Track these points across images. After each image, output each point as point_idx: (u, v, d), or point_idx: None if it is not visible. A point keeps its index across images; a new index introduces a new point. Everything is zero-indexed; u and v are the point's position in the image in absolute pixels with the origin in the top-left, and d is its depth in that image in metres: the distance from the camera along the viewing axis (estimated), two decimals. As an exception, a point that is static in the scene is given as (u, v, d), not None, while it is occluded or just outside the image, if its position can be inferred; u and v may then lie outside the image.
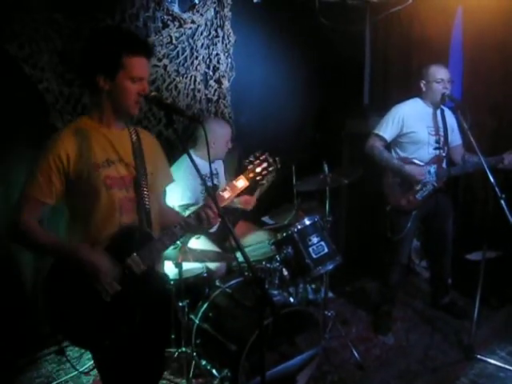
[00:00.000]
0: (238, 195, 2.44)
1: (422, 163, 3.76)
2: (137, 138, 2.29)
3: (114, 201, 2.15)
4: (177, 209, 3.40)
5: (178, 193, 3.50)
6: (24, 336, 3.45)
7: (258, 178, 2.38)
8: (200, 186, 3.70)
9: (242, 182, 2.35)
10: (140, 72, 2.10)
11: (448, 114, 3.85)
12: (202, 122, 2.13)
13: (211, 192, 2.27)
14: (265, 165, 2.38)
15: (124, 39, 2.13)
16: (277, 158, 2.43)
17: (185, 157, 3.61)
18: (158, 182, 2.39)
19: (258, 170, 2.37)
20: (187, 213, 2.35)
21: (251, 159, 2.39)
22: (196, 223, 2.25)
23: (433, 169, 3.78)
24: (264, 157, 2.39)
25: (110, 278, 2.08)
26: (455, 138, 3.91)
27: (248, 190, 2.54)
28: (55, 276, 2.11)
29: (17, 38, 3.16)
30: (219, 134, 3.71)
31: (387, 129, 3.79)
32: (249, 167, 2.38)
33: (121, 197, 2.17)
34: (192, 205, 3.63)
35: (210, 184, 3.48)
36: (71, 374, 3.38)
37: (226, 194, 2.34)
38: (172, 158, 3.62)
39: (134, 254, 2.14)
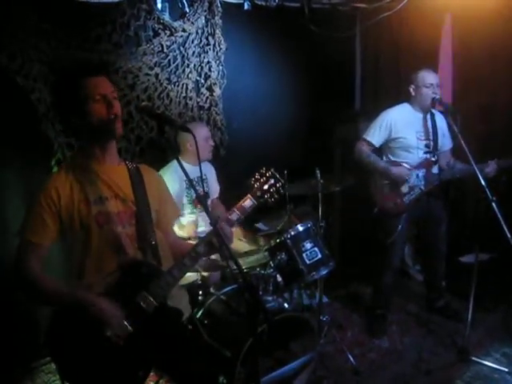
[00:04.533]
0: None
1: (410, 167, 3.79)
2: (137, 173, 2.24)
3: (107, 238, 2.10)
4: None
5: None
6: (20, 345, 3.44)
7: (266, 196, 2.29)
8: (184, 192, 3.71)
9: (249, 202, 2.27)
10: (98, 89, 2.05)
11: (439, 118, 3.88)
12: (191, 130, 2.09)
13: (202, 198, 2.25)
14: (272, 181, 2.30)
15: (71, 70, 2.16)
16: (285, 172, 2.35)
17: (172, 162, 3.63)
18: (165, 218, 2.36)
19: (266, 187, 2.29)
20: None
21: (257, 176, 2.31)
22: (205, 250, 2.19)
23: (421, 173, 3.80)
24: (270, 173, 2.31)
25: (119, 320, 2.01)
26: (445, 143, 3.92)
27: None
28: (61, 320, 2.04)
29: (6, 48, 3.15)
30: (190, 136, 3.66)
31: (375, 134, 3.82)
32: (255, 185, 2.29)
33: (118, 234, 2.12)
34: None
35: (200, 189, 3.50)
36: (67, 384, 3.37)
37: (235, 217, 2.27)
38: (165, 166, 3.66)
39: (144, 292, 2.08)
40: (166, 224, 2.40)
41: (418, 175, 3.80)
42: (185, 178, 3.62)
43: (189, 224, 3.65)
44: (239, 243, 3.78)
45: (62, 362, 2.03)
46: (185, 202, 3.74)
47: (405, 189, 3.80)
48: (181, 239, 2.68)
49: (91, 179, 2.11)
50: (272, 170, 2.33)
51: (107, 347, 2.00)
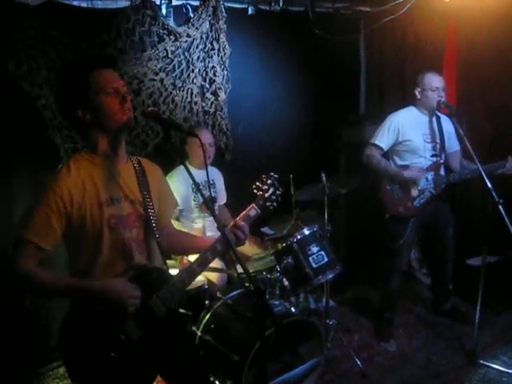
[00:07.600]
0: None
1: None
2: (141, 170, 2.20)
3: (118, 243, 2.06)
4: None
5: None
6: (27, 351, 3.44)
7: (267, 204, 2.31)
8: (192, 195, 3.73)
9: (254, 212, 2.28)
10: (110, 82, 1.99)
11: (444, 120, 3.88)
12: (198, 135, 2.08)
13: (209, 202, 2.25)
14: (272, 189, 2.31)
15: (80, 62, 2.11)
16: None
17: (179, 166, 3.64)
18: (165, 212, 2.34)
19: (267, 195, 2.30)
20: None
21: (258, 184, 2.32)
22: (222, 248, 2.17)
23: (430, 176, 3.79)
24: (270, 181, 2.32)
25: (135, 293, 1.99)
26: (452, 144, 3.92)
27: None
28: (73, 323, 2.01)
29: (14, 55, 3.17)
30: (195, 141, 3.68)
31: (383, 138, 3.82)
32: (258, 194, 2.31)
33: (126, 237, 2.08)
34: (182, 210, 3.73)
35: (207, 193, 3.51)
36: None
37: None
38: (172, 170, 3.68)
39: (155, 296, 2.07)
40: (166, 217, 2.38)
41: (427, 178, 3.79)
42: (191, 182, 3.66)
43: (195, 231, 3.66)
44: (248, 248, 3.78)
45: (74, 363, 2.00)
46: (192, 205, 3.75)
47: (415, 192, 3.79)
48: (182, 232, 2.67)
49: (102, 178, 2.04)
50: (273, 177, 2.34)
51: (119, 350, 1.97)
